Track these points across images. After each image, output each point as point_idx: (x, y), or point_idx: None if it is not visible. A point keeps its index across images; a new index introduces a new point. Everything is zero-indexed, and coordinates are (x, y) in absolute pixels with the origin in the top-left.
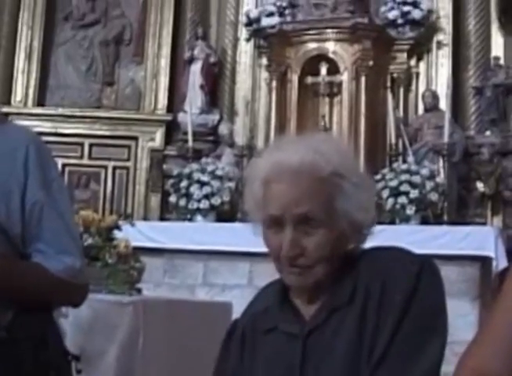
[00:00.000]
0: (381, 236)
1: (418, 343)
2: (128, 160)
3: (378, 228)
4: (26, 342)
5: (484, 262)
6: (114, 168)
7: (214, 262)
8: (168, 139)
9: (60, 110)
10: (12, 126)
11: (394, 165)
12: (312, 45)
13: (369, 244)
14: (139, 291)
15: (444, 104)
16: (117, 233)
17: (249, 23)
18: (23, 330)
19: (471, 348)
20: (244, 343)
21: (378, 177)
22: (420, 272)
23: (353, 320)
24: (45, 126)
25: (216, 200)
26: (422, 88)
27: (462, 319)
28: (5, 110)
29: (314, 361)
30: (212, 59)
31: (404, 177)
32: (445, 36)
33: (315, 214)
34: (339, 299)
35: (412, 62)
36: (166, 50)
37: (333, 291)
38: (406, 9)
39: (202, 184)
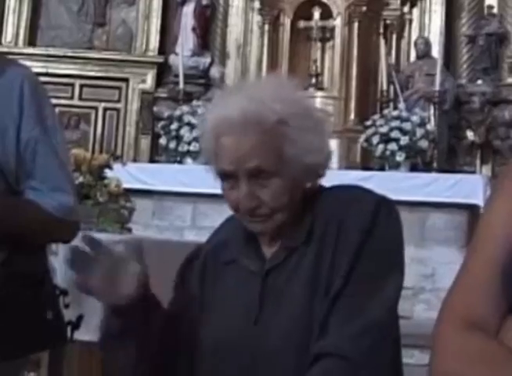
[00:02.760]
0: (370, 182)
1: (375, 281)
2: (118, 101)
3: (367, 174)
4: (22, 279)
5: (472, 210)
6: (105, 110)
7: (203, 204)
8: (159, 81)
9: (51, 50)
10: (8, 63)
11: (385, 112)
12: None
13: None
14: (130, 230)
15: (436, 52)
16: (107, 173)
17: None
18: (19, 267)
19: (456, 292)
20: (205, 273)
21: (369, 123)
22: (377, 211)
23: (310, 260)
24: (35, 66)
25: None
26: (414, 35)
27: (449, 266)
28: None
29: (272, 299)
30: (204, 2)
31: (394, 124)
32: None
33: (266, 166)
34: (297, 239)
35: (406, 8)
36: None
37: (292, 231)
38: None
39: (192, 127)
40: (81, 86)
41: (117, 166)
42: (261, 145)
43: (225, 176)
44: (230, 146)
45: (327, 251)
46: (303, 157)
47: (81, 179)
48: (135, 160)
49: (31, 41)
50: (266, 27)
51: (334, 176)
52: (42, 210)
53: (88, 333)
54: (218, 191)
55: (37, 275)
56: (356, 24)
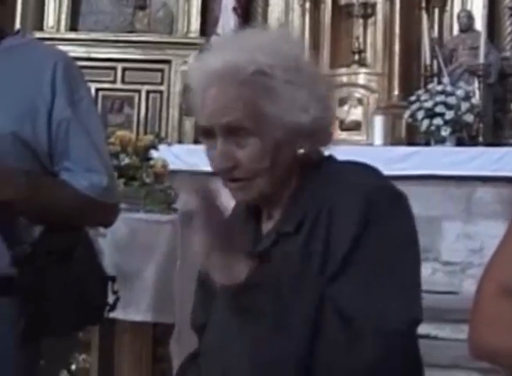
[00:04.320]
0: (416, 158)
1: (370, 285)
2: (161, 83)
3: (413, 149)
4: (49, 256)
5: None
6: (148, 92)
7: None
8: None
9: (93, 35)
10: (40, 45)
11: (429, 86)
12: None
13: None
14: (176, 211)
15: (479, 25)
16: (153, 154)
17: None
18: (48, 245)
19: (496, 263)
20: None
21: (413, 98)
22: (373, 202)
23: (296, 252)
24: (78, 51)
25: None
26: (457, 9)
27: (497, 240)
28: (38, 35)
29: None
30: None
31: (439, 98)
32: None
33: (241, 122)
34: (286, 226)
35: None
36: None
37: (285, 215)
38: None
39: None
40: (124, 70)
41: (162, 147)
42: (237, 98)
43: (203, 134)
44: (208, 100)
45: (316, 247)
46: (286, 116)
47: (126, 161)
48: (179, 142)
49: (73, 26)
50: (307, 4)
51: (380, 153)
52: (76, 190)
53: (138, 314)
54: None
55: (72, 254)
56: None
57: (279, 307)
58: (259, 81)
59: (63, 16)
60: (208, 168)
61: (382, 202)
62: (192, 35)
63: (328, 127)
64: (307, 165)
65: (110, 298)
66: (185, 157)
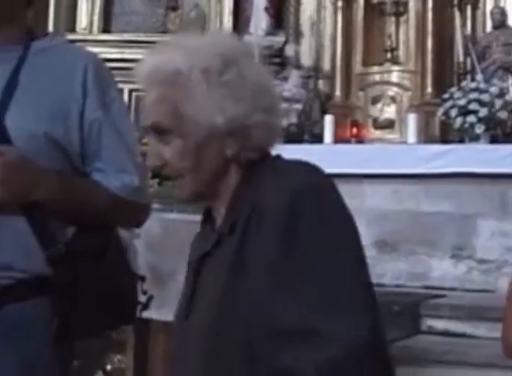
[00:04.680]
0: (450, 156)
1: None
2: None
3: (447, 147)
4: (83, 256)
5: None
6: None
7: None
8: None
9: (126, 36)
10: (71, 47)
11: (463, 84)
12: None
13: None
14: None
15: None
16: None
17: None
18: (82, 245)
19: None
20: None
21: (446, 96)
22: (294, 204)
23: (232, 251)
24: (110, 52)
25: (283, 122)
26: (489, 6)
27: None
28: (71, 37)
29: (200, 290)
30: None
31: (473, 95)
32: None
33: (163, 124)
34: (224, 227)
35: None
36: None
37: (225, 214)
38: None
39: None
40: None
41: None
42: (159, 100)
43: (146, 134)
44: (144, 101)
45: (251, 248)
46: (198, 116)
47: None
48: None
49: (106, 28)
50: (339, 3)
51: (413, 151)
52: (108, 190)
53: (172, 314)
54: (342, 171)
55: (104, 254)
56: None
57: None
58: (177, 82)
59: (96, 18)
60: None
61: (307, 203)
62: None
63: (261, 128)
64: (248, 165)
65: (141, 298)
66: None
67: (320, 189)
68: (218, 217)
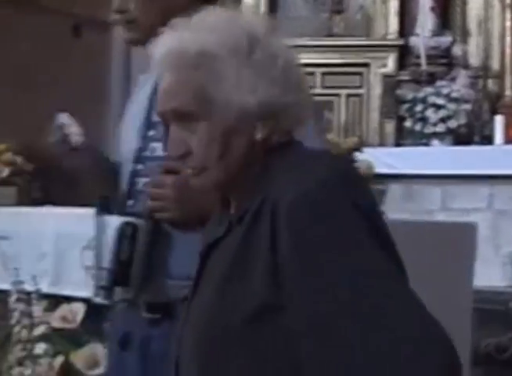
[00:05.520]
0: None
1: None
2: (360, 87)
3: None
4: None
5: None
6: (347, 96)
7: (453, 186)
8: (400, 64)
9: (291, 41)
10: None
11: None
12: None
13: None
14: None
15: None
16: (358, 156)
17: None
18: None
19: None
20: None
21: None
22: (308, 199)
23: (232, 246)
24: None
25: (452, 124)
26: None
27: None
28: None
29: (204, 281)
30: None
31: None
32: None
33: (186, 107)
34: (234, 216)
35: None
36: None
37: (239, 204)
38: None
39: (437, 107)
40: (323, 74)
41: (366, 150)
42: (181, 82)
43: (163, 123)
44: (161, 86)
45: (261, 242)
46: (230, 98)
47: None
48: (380, 144)
49: None
50: (507, 0)
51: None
52: None
53: None
54: (468, 172)
55: None
56: None
57: None
58: (203, 63)
59: None
60: (410, 171)
61: (323, 199)
62: (390, 37)
63: (291, 109)
64: (270, 152)
65: None
66: (387, 159)
67: (340, 184)
68: (233, 203)
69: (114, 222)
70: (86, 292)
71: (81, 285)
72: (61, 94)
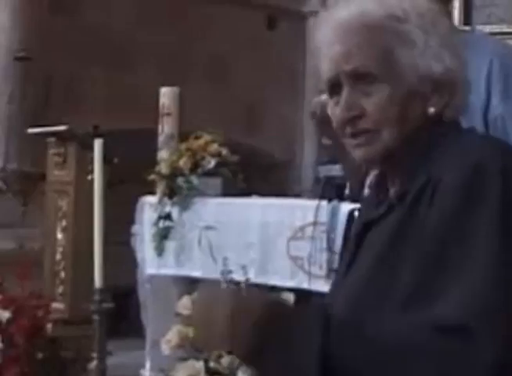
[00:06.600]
0: None
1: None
2: None
3: None
4: None
5: None
6: None
7: None
8: None
9: (487, 28)
10: (478, 37)
11: None
12: None
13: None
14: None
15: None
16: None
17: None
18: None
19: None
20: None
21: None
22: (474, 182)
23: (391, 225)
24: None
25: None
26: None
27: None
28: None
29: (360, 257)
30: None
31: None
32: None
33: (369, 68)
34: (395, 196)
35: None
36: None
37: (400, 185)
38: None
39: None
40: None
41: None
42: (365, 43)
43: (329, 89)
44: (332, 49)
45: (414, 220)
46: (416, 62)
47: None
48: None
49: (466, 21)
50: None
51: None
52: None
53: None
54: None
55: None
56: None
57: None
58: (390, 25)
59: (456, 11)
60: None
61: (490, 184)
62: None
63: (462, 84)
64: (436, 129)
65: None
66: None
67: (497, 173)
68: (392, 186)
69: (345, 208)
70: (293, 282)
71: (286, 275)
72: (256, 85)
